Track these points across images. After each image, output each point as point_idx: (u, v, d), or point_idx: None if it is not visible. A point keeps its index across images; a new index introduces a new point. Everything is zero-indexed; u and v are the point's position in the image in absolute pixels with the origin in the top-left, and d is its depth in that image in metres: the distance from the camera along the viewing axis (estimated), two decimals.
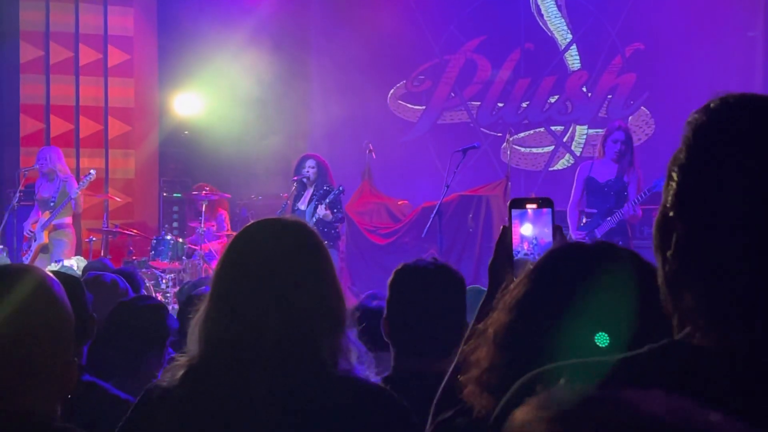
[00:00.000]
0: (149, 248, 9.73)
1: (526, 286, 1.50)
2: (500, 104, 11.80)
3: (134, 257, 9.83)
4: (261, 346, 1.83)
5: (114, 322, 3.23)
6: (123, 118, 11.37)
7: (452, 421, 1.76)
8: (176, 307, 7.86)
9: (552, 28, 11.65)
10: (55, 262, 8.47)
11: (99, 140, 11.30)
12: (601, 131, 8.24)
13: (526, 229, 1.88)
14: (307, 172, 8.70)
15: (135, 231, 10.17)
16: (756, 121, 1.09)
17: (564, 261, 1.53)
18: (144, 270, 9.09)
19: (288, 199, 8.91)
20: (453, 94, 12.01)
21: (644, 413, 0.73)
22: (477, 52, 11.81)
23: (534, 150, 11.74)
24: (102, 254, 9.69)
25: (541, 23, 11.66)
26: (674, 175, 1.12)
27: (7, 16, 10.99)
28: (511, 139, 9.53)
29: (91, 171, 9.25)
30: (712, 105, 1.12)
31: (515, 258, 1.86)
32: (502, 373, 1.41)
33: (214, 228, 10.05)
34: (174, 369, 1.91)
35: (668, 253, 1.12)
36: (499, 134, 11.41)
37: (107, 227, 10.16)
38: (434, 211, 8.13)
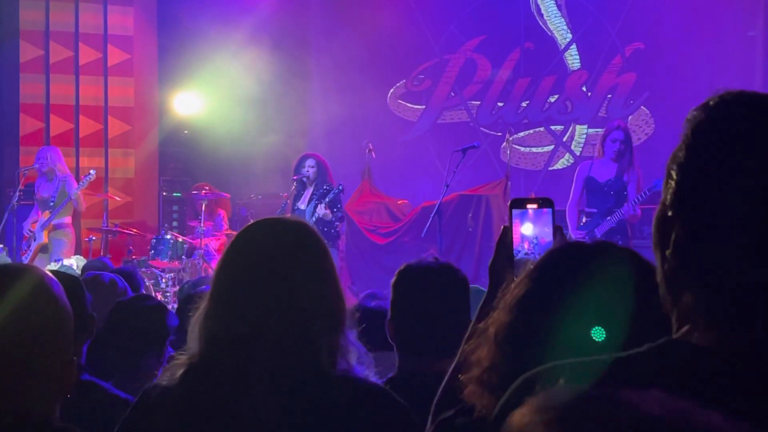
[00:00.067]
0: (149, 247, 9.73)
1: (526, 285, 1.50)
2: (500, 104, 11.80)
3: (134, 256, 9.83)
4: (261, 346, 1.83)
5: (113, 322, 3.23)
6: (123, 118, 11.37)
7: (453, 420, 1.76)
8: (176, 306, 7.86)
9: (552, 27, 11.65)
10: (55, 261, 8.47)
11: (99, 139, 11.30)
12: (600, 131, 8.24)
13: (527, 229, 1.88)
14: (307, 171, 8.70)
15: (135, 230, 10.17)
16: (755, 118, 1.09)
17: (564, 260, 1.53)
18: (144, 269, 9.08)
19: (288, 199, 8.91)
20: (453, 94, 12.01)
21: (643, 414, 0.73)
22: (477, 52, 11.81)
23: (534, 149, 11.74)
24: (102, 253, 9.69)
25: (540, 23, 11.66)
26: (673, 173, 1.12)
27: (7, 15, 10.99)
28: (510, 138, 9.52)
29: (91, 171, 9.25)
30: (711, 103, 1.12)
31: (516, 258, 1.86)
32: (503, 373, 1.41)
33: (212, 227, 10.05)
34: (173, 368, 1.91)
35: (667, 252, 1.11)
36: (499, 134, 11.41)
37: (107, 226, 10.16)
38: (434, 211, 8.12)
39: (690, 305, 1.10)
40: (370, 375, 1.95)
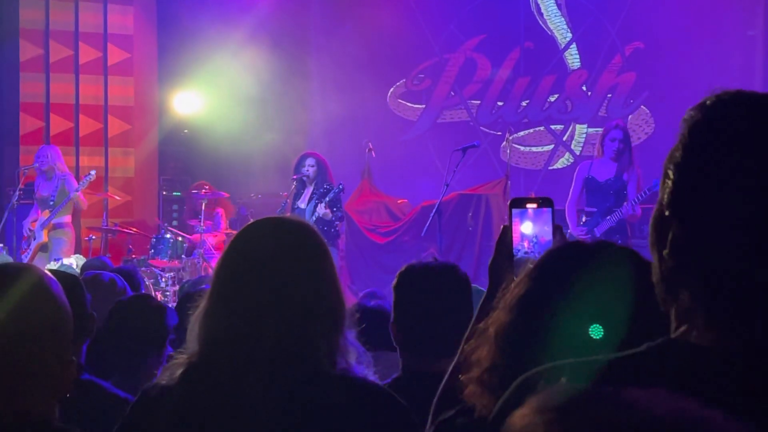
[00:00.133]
0: (149, 247, 9.73)
1: (526, 285, 1.50)
2: (500, 103, 11.80)
3: (134, 256, 9.83)
4: (260, 345, 1.83)
5: (113, 321, 3.23)
6: (123, 117, 11.37)
7: (453, 420, 1.76)
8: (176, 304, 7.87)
9: (552, 26, 11.65)
10: (55, 260, 8.47)
11: (99, 139, 11.30)
12: (600, 130, 8.24)
13: (527, 228, 1.88)
14: (307, 170, 8.70)
15: (134, 229, 10.17)
16: (751, 118, 1.09)
17: (564, 260, 1.53)
18: (143, 268, 9.08)
19: (288, 198, 8.91)
20: (453, 93, 12.01)
21: (645, 413, 0.73)
22: (477, 51, 11.81)
23: (534, 149, 11.73)
24: (101, 252, 9.70)
25: (540, 22, 11.66)
26: (670, 173, 1.12)
27: (6, 14, 10.99)
28: (510, 137, 9.52)
29: (91, 171, 9.24)
30: (707, 102, 1.12)
31: (516, 257, 1.86)
32: (503, 373, 1.41)
33: (211, 226, 10.05)
34: (173, 367, 1.91)
35: (664, 252, 1.11)
36: (499, 133, 11.41)
37: (107, 226, 10.16)
38: (434, 210, 8.12)
39: (688, 305, 1.10)
40: (369, 374, 1.94)
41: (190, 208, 10.72)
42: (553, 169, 11.57)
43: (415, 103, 12.13)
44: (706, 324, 1.08)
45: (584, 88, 11.59)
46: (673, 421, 0.73)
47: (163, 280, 9.36)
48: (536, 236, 1.88)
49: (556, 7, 11.60)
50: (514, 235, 1.87)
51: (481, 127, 11.81)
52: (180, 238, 9.76)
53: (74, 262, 8.16)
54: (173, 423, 1.85)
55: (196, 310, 1.93)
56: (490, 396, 1.43)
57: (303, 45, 11.96)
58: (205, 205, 9.72)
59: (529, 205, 1.89)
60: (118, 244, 10.35)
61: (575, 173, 7.96)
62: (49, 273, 1.55)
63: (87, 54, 11.21)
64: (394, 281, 2.72)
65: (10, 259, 8.57)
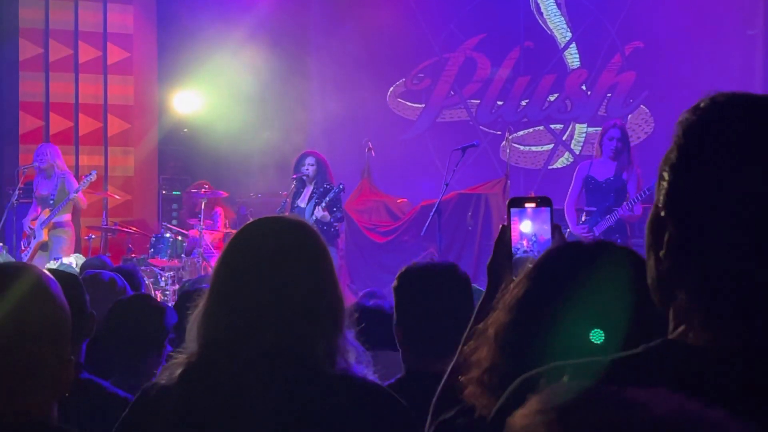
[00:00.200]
0: (148, 246, 9.73)
1: (525, 285, 1.50)
2: (500, 102, 11.80)
3: (133, 255, 9.84)
4: (259, 345, 1.83)
5: (112, 321, 3.22)
6: (122, 116, 11.37)
7: (454, 421, 1.76)
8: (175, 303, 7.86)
9: (551, 26, 11.65)
10: (54, 259, 8.47)
11: (98, 138, 11.30)
12: (600, 129, 8.25)
13: (526, 226, 1.88)
14: (307, 169, 8.69)
15: (134, 228, 10.17)
16: (746, 120, 1.09)
17: (563, 260, 1.53)
18: (143, 268, 9.08)
19: (287, 197, 8.90)
20: (452, 92, 12.01)
21: (647, 413, 0.73)
22: (476, 50, 11.81)
23: (533, 148, 11.73)
24: (101, 251, 9.70)
25: (540, 21, 11.66)
26: (665, 174, 1.12)
27: (6, 13, 10.99)
28: (510, 137, 9.53)
29: (92, 172, 9.23)
30: (702, 105, 1.12)
31: (516, 256, 1.86)
32: (503, 373, 1.41)
33: (210, 225, 10.06)
34: (172, 367, 1.91)
35: (661, 253, 1.12)
36: (499, 132, 11.41)
37: (106, 225, 10.16)
38: (433, 210, 8.12)
39: (685, 305, 1.10)
40: (369, 374, 1.94)
41: (188, 207, 10.71)
42: (553, 169, 11.57)
43: (414, 103, 12.13)
44: (703, 324, 1.08)
45: (584, 87, 11.59)
46: (674, 421, 0.73)
47: (163, 279, 9.36)
48: (535, 235, 1.88)
49: (555, 7, 11.60)
50: (513, 234, 1.87)
51: (480, 127, 11.81)
52: (179, 238, 9.76)
53: (74, 261, 8.16)
54: (172, 423, 1.85)
55: (195, 309, 1.93)
56: (490, 396, 1.43)
57: (303, 44, 11.95)
58: (205, 204, 9.72)
59: (527, 205, 1.89)
60: (117, 244, 10.35)
61: (575, 173, 7.97)
62: (47, 272, 1.55)
63: (87, 53, 11.21)
64: (394, 283, 2.72)
65: (11, 258, 8.58)
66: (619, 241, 7.40)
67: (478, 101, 11.87)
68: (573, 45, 11.59)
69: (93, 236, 9.87)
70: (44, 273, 1.53)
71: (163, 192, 11.62)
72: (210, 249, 9.61)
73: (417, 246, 9.32)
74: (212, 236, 9.93)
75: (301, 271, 1.89)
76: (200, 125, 11.43)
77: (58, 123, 11.15)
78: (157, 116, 11.64)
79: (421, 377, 2.50)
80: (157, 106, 11.68)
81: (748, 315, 1.05)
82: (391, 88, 12.12)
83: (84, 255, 9.03)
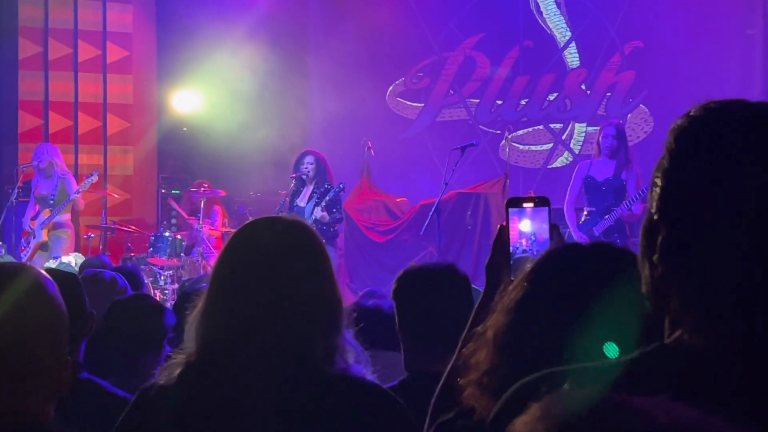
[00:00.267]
0: (147, 245, 9.73)
1: (524, 288, 1.50)
2: (499, 102, 11.80)
3: (132, 254, 9.84)
4: (257, 344, 1.83)
5: (111, 321, 3.22)
6: (122, 115, 11.36)
7: (453, 422, 1.76)
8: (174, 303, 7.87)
9: (551, 25, 11.65)
10: (53, 258, 8.47)
11: (98, 137, 11.29)
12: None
13: (525, 226, 1.89)
14: (306, 168, 8.69)
15: (133, 228, 10.17)
16: (737, 126, 1.10)
17: (561, 262, 1.53)
18: (142, 267, 9.08)
19: (286, 196, 8.90)
20: (452, 92, 12.01)
21: (649, 421, 0.73)
22: (476, 50, 11.80)
23: (533, 147, 11.73)
24: (100, 250, 9.70)
25: (540, 21, 11.66)
26: (658, 180, 1.13)
27: (5, 12, 10.98)
28: (509, 136, 9.53)
29: (94, 173, 9.22)
30: (692, 112, 1.13)
31: (515, 256, 1.86)
32: (502, 376, 1.41)
33: (208, 223, 10.06)
34: (171, 367, 1.91)
35: (654, 258, 1.12)
36: (498, 132, 11.41)
37: (106, 224, 10.15)
38: (433, 209, 8.13)
39: (679, 310, 1.10)
40: (368, 374, 1.95)
41: (187, 206, 10.70)
42: (552, 168, 11.57)
43: (414, 102, 12.12)
44: (698, 328, 1.08)
45: (583, 86, 11.59)
46: (676, 429, 0.73)
47: (162, 278, 9.36)
48: (534, 234, 1.88)
49: (555, 6, 11.60)
50: (512, 233, 1.87)
51: (480, 126, 11.80)
52: (179, 237, 9.76)
53: (73, 260, 8.16)
54: (171, 423, 1.85)
55: (194, 309, 1.94)
56: (489, 398, 1.43)
57: (302, 43, 11.95)
58: (204, 203, 9.72)
59: (525, 205, 1.90)
60: (116, 243, 10.35)
61: (574, 173, 7.99)
62: (44, 273, 1.54)
63: (86, 52, 11.21)
64: (393, 285, 2.72)
65: (11, 259, 8.58)
66: (618, 240, 7.41)
67: (478, 100, 11.87)
68: (572, 44, 11.59)
69: (92, 235, 9.87)
70: (41, 273, 1.53)
71: (163, 191, 11.61)
72: (209, 248, 9.61)
73: (416, 245, 9.33)
74: (211, 233, 9.92)
75: (300, 271, 1.89)
76: (200, 124, 11.42)
77: (57, 122, 11.14)
78: (157, 115, 11.63)
79: (424, 378, 2.51)
80: (156, 105, 11.68)
81: (748, 316, 1.05)
82: (391, 87, 12.12)
83: (83, 254, 9.03)
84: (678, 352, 1.09)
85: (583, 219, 7.79)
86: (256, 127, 11.00)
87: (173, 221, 11.07)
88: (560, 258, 1.55)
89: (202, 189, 9.79)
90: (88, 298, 2.87)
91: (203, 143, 11.26)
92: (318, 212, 8.36)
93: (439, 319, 2.60)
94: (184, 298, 3.59)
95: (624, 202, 7.45)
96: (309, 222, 7.59)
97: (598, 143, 7.77)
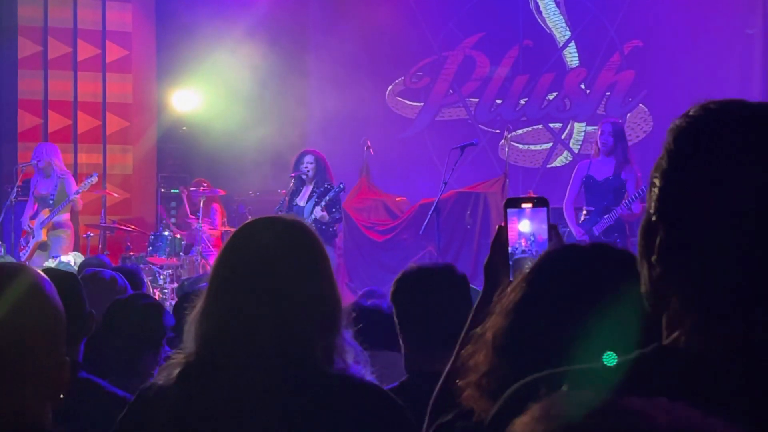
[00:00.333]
0: (147, 244, 9.72)
1: (523, 289, 1.50)
2: (498, 101, 11.80)
3: (132, 253, 9.84)
4: (256, 344, 1.83)
5: (110, 320, 3.22)
6: (121, 114, 11.36)
7: (452, 424, 1.76)
8: (174, 303, 7.87)
9: (550, 24, 11.65)
10: (53, 258, 8.47)
11: (97, 136, 11.29)
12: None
13: (524, 226, 1.89)
14: (306, 168, 8.69)
15: (132, 227, 10.17)
16: (736, 126, 1.10)
17: (560, 264, 1.53)
18: (141, 266, 9.08)
19: (286, 195, 8.90)
20: (451, 91, 12.00)
21: (648, 423, 0.73)
22: (475, 49, 11.80)
23: (532, 147, 11.73)
24: (100, 250, 9.69)
25: (539, 20, 11.66)
26: (656, 180, 1.13)
27: (5, 11, 10.98)
28: (509, 136, 9.53)
29: (94, 174, 9.21)
30: (691, 112, 1.13)
31: (515, 257, 1.86)
32: (502, 377, 1.41)
33: (208, 222, 10.06)
34: (170, 367, 1.91)
35: (653, 259, 1.12)
36: (497, 131, 11.41)
37: (105, 223, 10.15)
38: (432, 208, 8.13)
39: (678, 310, 1.10)
40: (367, 374, 1.95)
41: (186, 205, 10.70)
42: (552, 167, 11.57)
43: (413, 101, 12.12)
44: (697, 329, 1.08)
45: (583, 86, 11.59)
46: (676, 430, 0.73)
47: (162, 277, 9.36)
48: (533, 235, 1.88)
49: (554, 5, 11.60)
50: (511, 234, 1.87)
51: (479, 125, 11.80)
52: (178, 236, 9.76)
53: (72, 259, 8.16)
54: (170, 423, 1.85)
55: (193, 309, 1.94)
56: (488, 400, 1.43)
57: (301, 42, 11.95)
58: (203, 202, 9.72)
59: (524, 205, 1.90)
60: (116, 242, 10.34)
61: (574, 172, 8.00)
62: (42, 273, 1.54)
63: (85, 51, 11.20)
64: (392, 288, 2.73)
65: (11, 259, 8.57)
66: (618, 240, 7.42)
67: (477, 100, 11.87)
68: (572, 44, 11.59)
69: (91, 234, 9.87)
70: (38, 273, 1.52)
71: (162, 190, 11.61)
72: (208, 247, 9.61)
73: (415, 244, 9.32)
74: (210, 232, 9.92)
75: (299, 271, 1.89)
76: (199, 123, 11.42)
77: (56, 121, 11.14)
78: (156, 114, 11.63)
79: (425, 378, 2.51)
80: (155, 104, 11.68)
81: (748, 316, 1.05)
82: (390, 87, 12.11)
83: (82, 253, 9.03)
84: (677, 352, 1.09)
85: (582, 218, 7.80)
86: (255, 127, 11.00)
87: (173, 220, 11.06)
88: (559, 259, 1.55)
89: (202, 188, 9.79)
90: (88, 297, 2.87)
91: (202, 142, 11.26)
92: (318, 212, 8.36)
93: (439, 320, 2.60)
94: (185, 298, 3.59)
95: (624, 202, 7.47)
96: (308, 222, 7.62)
97: (596, 142, 7.81)
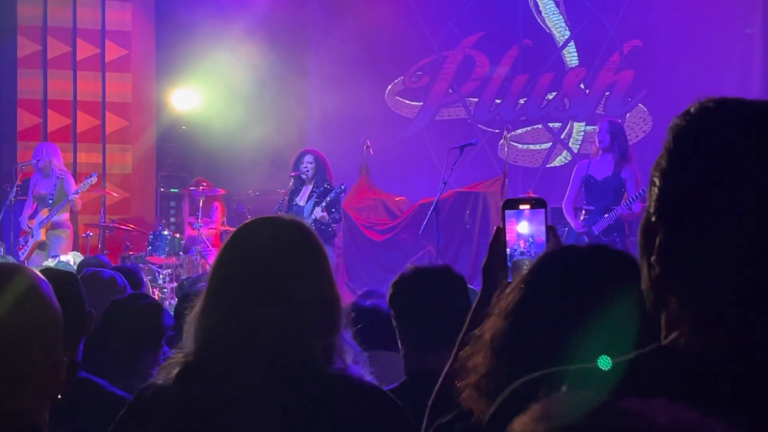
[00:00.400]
0: (146, 243, 9.72)
1: (521, 290, 1.50)
2: (498, 101, 11.80)
3: (131, 252, 9.83)
4: (255, 344, 1.83)
5: (108, 320, 3.22)
6: (120, 113, 11.36)
7: (451, 425, 1.76)
8: (174, 302, 7.87)
9: (550, 24, 11.65)
10: (52, 257, 8.47)
11: (96, 135, 11.29)
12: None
13: (523, 227, 1.89)
14: (306, 168, 8.68)
15: (132, 226, 10.17)
16: (736, 126, 1.09)
17: (558, 265, 1.53)
18: (141, 265, 9.08)
19: (285, 195, 8.89)
20: (451, 91, 12.00)
21: (647, 424, 0.73)
22: (475, 49, 11.80)
23: (531, 147, 11.73)
24: (99, 249, 9.69)
25: (539, 20, 11.65)
26: (656, 180, 1.13)
27: (4, 10, 10.97)
28: (508, 135, 9.53)
29: (93, 174, 9.20)
30: (691, 110, 1.13)
31: (514, 258, 1.86)
32: (500, 378, 1.41)
33: (207, 221, 10.06)
34: (169, 367, 1.91)
35: (652, 258, 1.12)
36: (497, 131, 11.41)
37: (104, 222, 10.15)
38: (431, 208, 8.13)
39: (677, 311, 1.10)
40: (366, 374, 1.95)
41: (186, 204, 10.70)
42: (551, 167, 11.57)
43: (413, 101, 12.12)
44: (696, 330, 1.08)
45: (582, 85, 11.59)
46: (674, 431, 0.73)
47: (161, 276, 9.36)
48: (532, 236, 1.88)
49: (554, 5, 11.60)
50: (510, 235, 1.87)
51: (478, 125, 11.80)
52: (177, 235, 9.76)
53: (71, 259, 8.16)
54: (169, 423, 1.85)
55: (193, 309, 1.94)
56: (487, 401, 1.43)
57: (301, 42, 11.94)
58: (203, 201, 9.72)
59: (522, 206, 1.89)
60: (115, 241, 10.34)
61: (573, 172, 8.01)
62: (39, 273, 1.54)
63: (85, 50, 11.20)
64: (390, 291, 2.73)
65: (11, 258, 8.57)
66: (618, 239, 7.43)
67: (477, 99, 11.86)
68: (571, 43, 11.59)
69: (91, 234, 9.86)
70: (36, 274, 1.52)
71: (161, 189, 11.61)
72: (207, 246, 9.61)
73: (415, 244, 9.32)
74: (209, 230, 9.92)
75: (298, 271, 1.89)
76: (198, 123, 11.41)
77: (56, 120, 11.13)
78: (155, 113, 11.63)
79: (425, 379, 2.51)
80: (155, 104, 11.67)
81: (748, 317, 1.05)
82: (390, 86, 12.11)
83: (82, 253, 9.03)
84: (676, 352, 1.09)
85: (582, 218, 7.80)
86: (254, 126, 11.00)
87: (172, 219, 11.06)
88: (557, 260, 1.55)
89: (201, 188, 9.79)
90: (87, 297, 2.87)
91: (202, 142, 11.26)
92: (318, 212, 8.36)
93: (437, 321, 2.60)
94: (185, 298, 3.59)
95: (624, 201, 7.47)
96: (308, 222, 7.61)
97: (595, 141, 7.86)
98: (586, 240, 7.42)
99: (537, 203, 1.89)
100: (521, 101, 11.72)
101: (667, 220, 1.10)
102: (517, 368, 1.28)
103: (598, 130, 7.84)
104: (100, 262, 5.38)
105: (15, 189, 9.28)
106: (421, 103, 12.07)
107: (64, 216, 9.20)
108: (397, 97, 12.13)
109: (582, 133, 11.53)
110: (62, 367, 1.48)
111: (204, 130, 11.17)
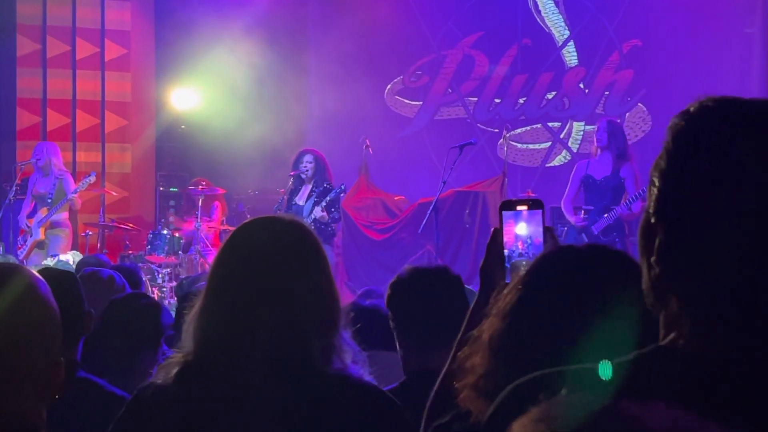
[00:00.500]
0: (145, 243, 9.72)
1: (519, 291, 1.50)
2: (497, 100, 11.79)
3: (130, 251, 9.83)
4: (255, 344, 1.83)
5: (107, 320, 3.22)
6: (120, 113, 11.36)
7: (450, 426, 1.76)
8: (173, 302, 7.88)
9: (549, 24, 11.64)
10: (51, 256, 8.47)
11: (96, 134, 11.29)
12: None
13: (521, 228, 1.88)
14: (305, 167, 8.68)
15: (131, 225, 10.16)
16: (736, 125, 1.09)
17: (556, 265, 1.53)
18: (140, 264, 9.07)
19: (284, 195, 8.89)
20: (450, 90, 12.00)
21: (646, 426, 0.73)
22: (474, 48, 11.80)
23: (531, 146, 11.73)
24: (98, 248, 9.69)
25: (538, 19, 11.65)
26: (655, 180, 1.13)
27: (4, 9, 10.97)
28: (507, 135, 9.53)
29: (92, 173, 9.21)
30: (691, 109, 1.12)
31: (513, 260, 1.86)
32: (499, 379, 1.41)
33: (207, 220, 10.06)
34: (168, 367, 1.91)
35: (652, 259, 1.12)
36: (496, 130, 11.41)
37: (103, 221, 10.15)
38: (431, 207, 8.13)
39: (676, 312, 1.10)
40: (365, 374, 1.95)
41: (188, 204, 10.69)
42: (551, 167, 11.57)
43: (412, 100, 12.12)
44: (695, 331, 1.08)
45: (581, 85, 11.59)
46: None
47: (160, 276, 9.36)
48: (530, 237, 1.88)
49: (553, 5, 11.59)
50: (508, 236, 1.87)
51: (478, 124, 11.80)
52: (177, 234, 9.76)
53: (71, 258, 8.16)
54: (168, 423, 1.85)
55: (192, 309, 1.94)
56: (485, 401, 1.43)
57: (300, 41, 11.94)
58: (202, 201, 9.72)
59: (519, 207, 1.89)
60: (114, 240, 10.34)
61: (572, 172, 8.02)
62: (37, 273, 1.53)
63: (84, 49, 11.20)
64: (388, 292, 2.73)
65: (10, 258, 8.57)
66: (617, 239, 7.43)
67: (476, 99, 11.86)
68: (571, 43, 11.59)
69: (90, 233, 9.86)
70: (33, 274, 1.52)
71: (161, 189, 11.61)
72: (207, 245, 9.61)
73: (414, 243, 9.32)
74: (209, 229, 9.92)
75: (297, 271, 1.89)
76: (198, 122, 11.41)
77: (55, 119, 11.13)
78: (155, 113, 11.63)
79: (424, 379, 2.51)
80: (154, 103, 11.67)
81: (748, 317, 1.05)
82: (389, 86, 12.11)
83: (81, 252, 9.03)
84: (675, 353, 1.09)
85: (581, 217, 7.81)
86: (254, 125, 10.99)
87: (171, 218, 11.05)
88: (555, 261, 1.55)
89: (200, 187, 9.79)
90: (86, 296, 2.87)
91: (201, 141, 11.25)
92: (318, 212, 8.37)
93: (435, 321, 2.61)
94: (185, 298, 3.59)
95: (624, 202, 7.47)
96: (308, 221, 7.61)
97: (594, 141, 7.89)
98: (585, 240, 7.42)
99: (534, 204, 1.89)
100: (521, 101, 11.72)
101: (667, 220, 1.10)
102: (516, 369, 1.28)
103: (596, 129, 7.86)
104: (99, 261, 5.38)
105: (14, 188, 9.28)
106: (421, 103, 12.07)
107: (63, 215, 9.20)
108: (397, 97, 12.13)
109: (581, 133, 11.53)
110: (60, 368, 1.48)
111: (203, 130, 11.17)
